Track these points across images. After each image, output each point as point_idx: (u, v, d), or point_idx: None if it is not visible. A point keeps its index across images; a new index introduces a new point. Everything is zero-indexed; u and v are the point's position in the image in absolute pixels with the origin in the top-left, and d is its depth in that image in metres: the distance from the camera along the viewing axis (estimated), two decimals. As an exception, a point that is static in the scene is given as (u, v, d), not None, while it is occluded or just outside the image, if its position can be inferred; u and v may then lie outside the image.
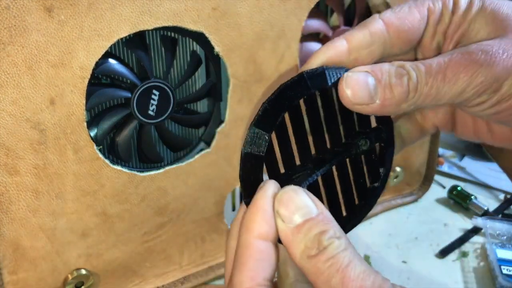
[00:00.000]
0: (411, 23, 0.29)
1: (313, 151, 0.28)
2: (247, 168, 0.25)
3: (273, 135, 0.26)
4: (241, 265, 0.24)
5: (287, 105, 0.26)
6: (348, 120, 0.28)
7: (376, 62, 0.29)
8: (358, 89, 0.26)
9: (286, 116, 0.26)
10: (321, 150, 0.28)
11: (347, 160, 0.29)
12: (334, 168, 0.28)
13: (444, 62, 0.26)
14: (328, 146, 0.28)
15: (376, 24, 0.28)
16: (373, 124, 0.30)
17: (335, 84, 0.27)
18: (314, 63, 0.28)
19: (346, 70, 0.27)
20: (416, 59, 0.31)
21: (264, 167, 0.26)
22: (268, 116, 0.25)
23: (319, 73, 0.27)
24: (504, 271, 0.49)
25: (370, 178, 0.30)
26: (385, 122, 0.30)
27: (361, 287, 0.22)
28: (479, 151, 0.74)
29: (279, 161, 0.27)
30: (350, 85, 0.26)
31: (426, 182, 0.64)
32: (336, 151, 0.28)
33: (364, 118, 0.29)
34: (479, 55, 0.26)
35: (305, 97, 0.26)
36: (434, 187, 0.65)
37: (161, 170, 0.42)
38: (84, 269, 0.42)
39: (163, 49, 0.42)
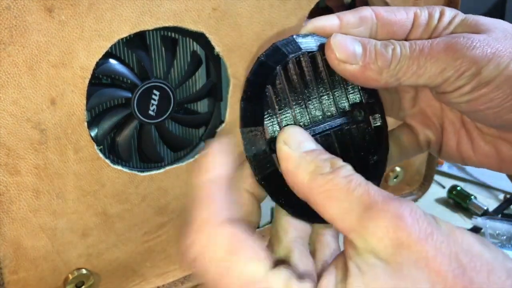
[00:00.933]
0: (398, 17, 0.30)
1: (308, 120, 0.28)
2: (248, 144, 0.25)
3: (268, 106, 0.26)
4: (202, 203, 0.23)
5: (270, 73, 0.26)
6: (338, 88, 0.29)
7: None
8: (344, 47, 0.27)
9: (277, 85, 0.26)
10: (315, 118, 0.28)
11: (346, 129, 0.29)
12: (334, 135, 0.28)
13: (428, 42, 0.28)
14: (321, 114, 0.28)
15: (366, 11, 0.30)
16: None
17: (322, 49, 0.28)
18: (304, 30, 0.29)
19: None
20: None
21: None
22: (254, 88, 0.26)
23: (291, 41, 0.28)
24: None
25: (370, 152, 0.30)
26: (374, 96, 0.30)
27: (389, 196, 0.22)
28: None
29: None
30: (338, 42, 0.27)
31: (425, 182, 0.64)
32: (332, 118, 0.28)
33: (352, 90, 0.29)
34: (461, 39, 0.28)
35: (286, 64, 0.27)
36: (433, 187, 0.65)
37: (162, 170, 0.43)
38: (85, 268, 0.42)
39: (163, 49, 0.42)
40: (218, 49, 0.41)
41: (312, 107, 0.28)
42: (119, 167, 0.40)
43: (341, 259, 0.23)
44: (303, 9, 0.44)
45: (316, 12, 0.47)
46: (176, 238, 0.47)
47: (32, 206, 0.38)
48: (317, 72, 0.28)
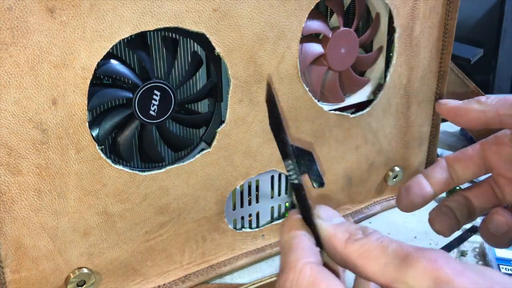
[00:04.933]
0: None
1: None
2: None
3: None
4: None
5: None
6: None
7: None
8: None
9: None
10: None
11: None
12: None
13: None
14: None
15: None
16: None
17: None
18: None
19: None
20: None
21: None
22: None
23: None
24: (503, 270, 0.50)
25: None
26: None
27: (419, 247, 0.24)
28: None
29: None
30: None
31: (425, 181, 0.64)
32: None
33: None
34: None
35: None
36: (433, 187, 0.65)
37: (162, 170, 0.43)
38: (86, 268, 0.42)
39: (164, 49, 0.42)
40: (218, 49, 0.41)
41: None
42: (120, 167, 0.41)
43: None
44: (303, 10, 0.44)
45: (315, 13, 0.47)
46: (177, 237, 0.47)
47: (34, 206, 0.38)
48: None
